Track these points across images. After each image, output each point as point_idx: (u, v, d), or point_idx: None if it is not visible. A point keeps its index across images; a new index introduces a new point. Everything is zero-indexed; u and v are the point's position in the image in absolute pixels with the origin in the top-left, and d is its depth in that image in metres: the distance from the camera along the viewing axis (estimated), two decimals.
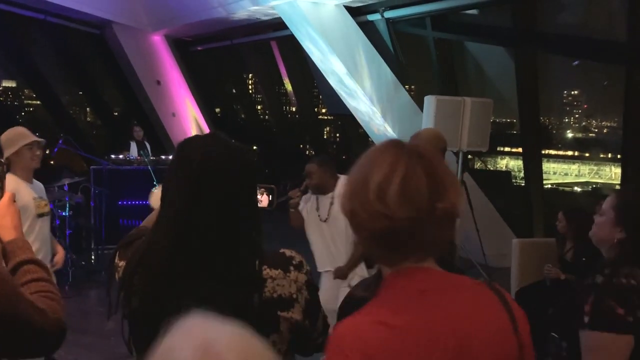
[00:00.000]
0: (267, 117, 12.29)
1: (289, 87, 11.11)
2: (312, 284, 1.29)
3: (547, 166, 7.75)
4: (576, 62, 6.51)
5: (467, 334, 0.93)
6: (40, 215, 3.18)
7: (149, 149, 7.95)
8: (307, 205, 3.71)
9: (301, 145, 12.07)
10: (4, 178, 1.46)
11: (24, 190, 3.12)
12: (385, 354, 0.90)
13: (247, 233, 1.24)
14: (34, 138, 3.17)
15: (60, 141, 5.67)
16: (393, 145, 1.00)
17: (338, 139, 12.11)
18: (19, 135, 3.15)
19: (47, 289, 1.28)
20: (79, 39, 10.05)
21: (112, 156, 6.98)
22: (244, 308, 1.17)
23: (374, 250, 1.01)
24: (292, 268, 1.26)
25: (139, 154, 6.98)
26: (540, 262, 4.17)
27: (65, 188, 5.66)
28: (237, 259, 1.22)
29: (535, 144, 6.29)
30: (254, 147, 11.47)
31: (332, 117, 11.82)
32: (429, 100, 5.33)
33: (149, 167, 5.00)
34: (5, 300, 1.14)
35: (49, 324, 1.20)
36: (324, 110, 11.81)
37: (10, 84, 11.81)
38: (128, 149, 7.72)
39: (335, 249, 3.56)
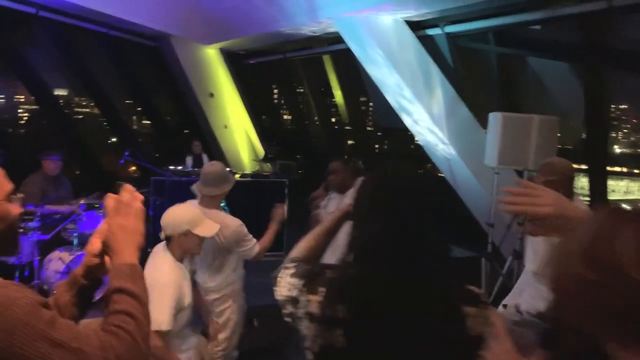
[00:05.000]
0: (317, 130, 12.30)
1: (339, 100, 11.11)
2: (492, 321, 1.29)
3: None
4: None
5: None
6: None
7: (205, 162, 8.07)
8: (328, 204, 3.79)
9: (351, 159, 12.01)
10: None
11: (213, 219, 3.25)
12: None
13: (448, 270, 1.26)
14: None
15: (127, 153, 5.79)
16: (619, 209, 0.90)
17: (389, 153, 12.01)
18: (229, 176, 3.47)
19: (117, 323, 1.15)
20: (135, 51, 10.31)
21: (171, 167, 7.10)
22: (451, 346, 1.18)
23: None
24: (482, 305, 1.25)
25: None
26: None
27: None
28: (444, 296, 1.22)
29: (601, 162, 6.07)
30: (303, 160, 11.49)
31: (381, 132, 11.76)
32: (495, 118, 5.20)
33: None
34: (4, 332, 1.03)
35: None
36: (373, 125, 11.76)
37: (62, 92, 12.20)
38: (183, 162, 7.87)
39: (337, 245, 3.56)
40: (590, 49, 5.60)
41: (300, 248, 1.57)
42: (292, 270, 1.41)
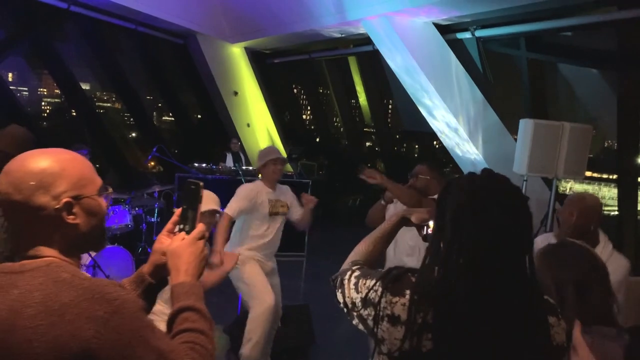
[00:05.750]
0: (339, 130, 12.30)
1: (363, 102, 11.09)
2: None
3: (614, 192, 7.40)
4: None
5: None
6: (273, 214, 3.92)
7: (243, 160, 8.14)
8: (397, 204, 3.62)
9: (369, 161, 12.02)
10: (199, 202, 1.37)
11: (262, 193, 3.91)
12: None
13: (532, 279, 1.25)
14: (278, 155, 3.95)
15: (155, 149, 5.83)
16: None
17: (410, 155, 11.97)
18: (268, 152, 3.99)
19: (197, 341, 1.19)
20: (162, 47, 10.38)
21: (196, 164, 7.14)
22: (537, 355, 1.19)
23: None
24: (560, 316, 1.27)
25: (234, 166, 7.14)
26: None
27: (155, 195, 5.80)
28: (531, 305, 1.23)
29: (632, 172, 5.97)
30: (326, 161, 11.49)
31: (401, 134, 11.72)
32: (526, 124, 5.12)
33: (242, 178, 5.05)
34: (116, 339, 1.06)
35: None
36: (395, 127, 11.72)
37: (86, 86, 12.34)
38: (224, 160, 7.92)
39: (396, 250, 3.58)
40: (627, 56, 5.50)
41: (360, 252, 1.55)
42: (357, 273, 1.39)
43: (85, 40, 8.99)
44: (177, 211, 1.37)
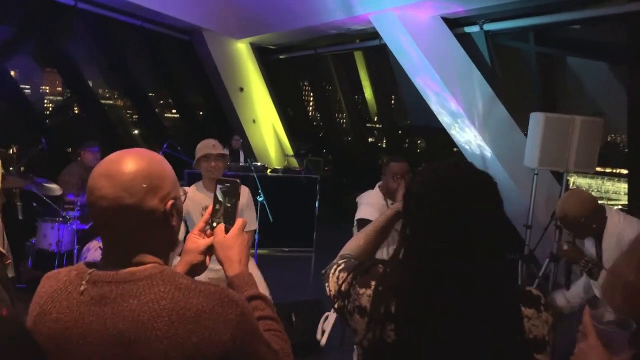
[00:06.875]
0: (344, 126, 12.29)
1: (369, 97, 11.07)
2: (555, 327, 1.25)
3: (618, 186, 7.40)
4: None
5: None
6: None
7: (242, 158, 8.10)
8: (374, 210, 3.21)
9: (373, 157, 12.01)
10: (237, 198, 1.36)
11: (196, 198, 3.28)
12: None
13: (504, 269, 1.23)
14: (209, 151, 3.31)
15: (165, 145, 5.83)
16: None
17: (413, 150, 11.96)
18: (200, 147, 3.38)
19: (274, 327, 1.22)
20: (168, 44, 10.37)
21: None
22: (505, 347, 1.16)
23: None
24: (542, 308, 1.22)
25: (246, 162, 7.08)
26: None
27: None
28: (499, 295, 1.20)
29: None
30: (329, 157, 11.47)
31: (407, 129, 11.70)
32: (536, 118, 5.12)
33: (254, 174, 5.02)
34: (245, 338, 1.08)
35: None
36: (399, 121, 11.71)
37: (91, 82, 12.30)
38: None
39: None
40: (637, 49, 5.48)
41: (351, 247, 1.55)
42: (342, 266, 1.40)
43: (91, 37, 8.99)
44: (209, 209, 1.36)
